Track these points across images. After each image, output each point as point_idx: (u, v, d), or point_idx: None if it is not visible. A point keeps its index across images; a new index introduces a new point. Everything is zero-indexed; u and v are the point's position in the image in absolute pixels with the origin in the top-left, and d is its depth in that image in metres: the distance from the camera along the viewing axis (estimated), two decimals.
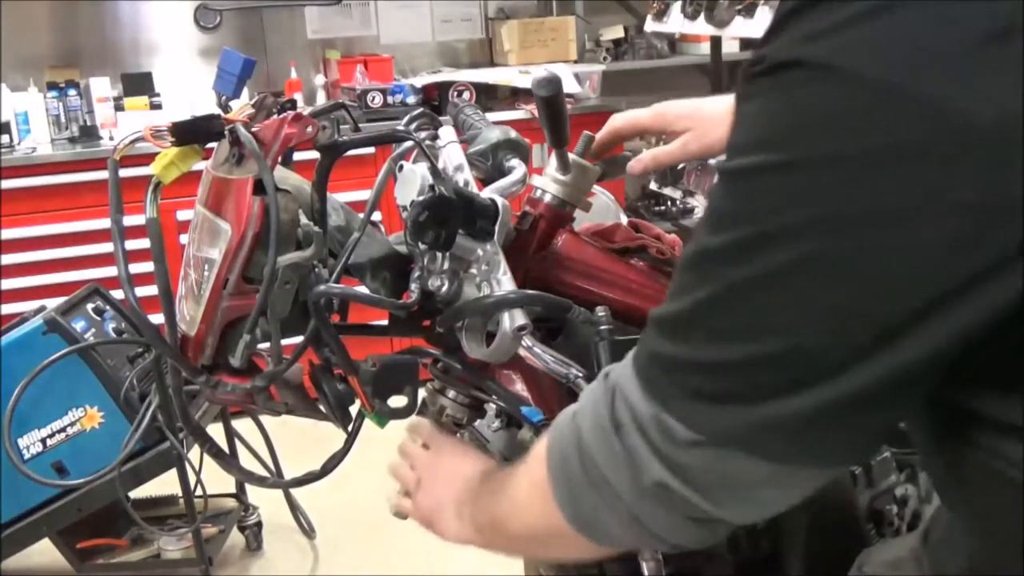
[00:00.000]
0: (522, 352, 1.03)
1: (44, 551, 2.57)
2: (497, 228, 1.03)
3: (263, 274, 0.96)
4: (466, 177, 1.10)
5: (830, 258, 0.60)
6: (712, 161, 1.15)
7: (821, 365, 0.62)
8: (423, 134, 1.13)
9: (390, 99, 3.77)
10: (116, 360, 2.44)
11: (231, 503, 2.83)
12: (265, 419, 2.62)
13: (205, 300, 1.00)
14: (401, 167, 1.04)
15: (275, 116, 1.01)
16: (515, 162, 1.14)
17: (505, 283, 1.00)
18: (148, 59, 4.11)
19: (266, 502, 2.86)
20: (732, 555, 1.10)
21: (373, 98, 3.74)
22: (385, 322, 1.12)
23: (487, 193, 1.07)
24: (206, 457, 2.27)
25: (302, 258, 0.98)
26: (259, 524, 2.85)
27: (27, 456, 2.38)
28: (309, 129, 0.99)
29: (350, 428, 1.09)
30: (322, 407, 1.08)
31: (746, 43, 4.16)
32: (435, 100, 3.86)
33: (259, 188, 0.97)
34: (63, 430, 2.40)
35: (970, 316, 0.59)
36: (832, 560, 1.01)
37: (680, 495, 0.69)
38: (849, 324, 0.61)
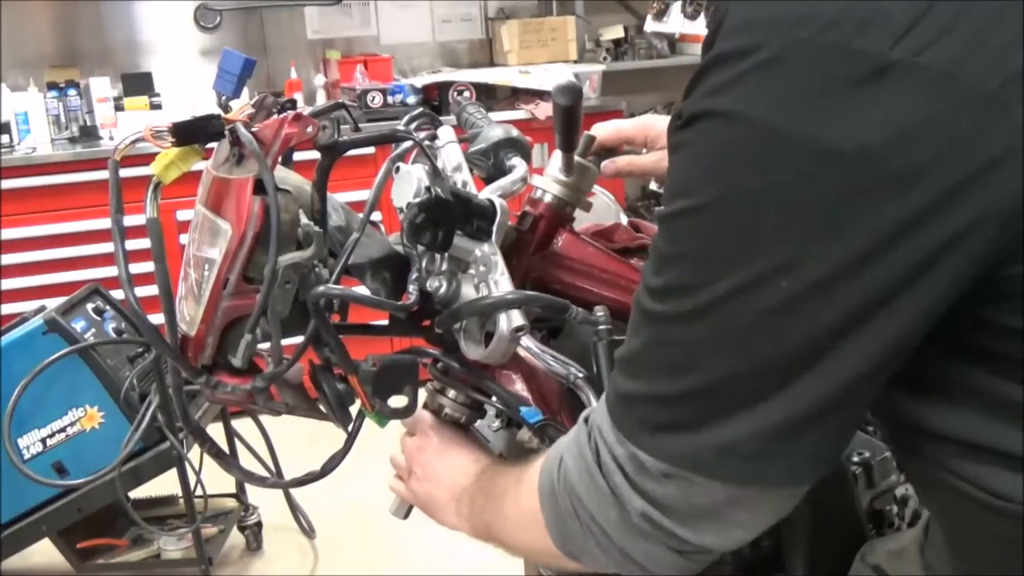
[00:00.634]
0: (522, 352, 1.03)
1: (44, 551, 2.57)
2: (495, 228, 1.03)
3: (263, 274, 0.96)
4: (464, 178, 1.09)
5: (746, 290, 0.66)
6: None
7: (753, 389, 0.68)
8: (422, 134, 1.13)
9: (390, 99, 3.77)
10: (116, 360, 2.44)
11: (231, 503, 2.83)
12: (265, 419, 2.63)
13: (205, 300, 1.00)
14: (398, 168, 1.03)
15: (275, 116, 1.01)
16: (516, 160, 1.13)
17: (503, 284, 1.00)
18: (148, 59, 4.11)
19: (266, 502, 2.86)
20: (732, 555, 1.10)
21: (373, 98, 3.74)
22: (385, 322, 1.12)
23: (487, 192, 1.07)
24: (206, 457, 2.27)
25: (302, 258, 0.98)
26: (259, 524, 2.85)
27: (27, 456, 2.38)
28: (309, 129, 0.99)
29: (350, 428, 1.09)
30: (322, 407, 1.08)
31: None
32: (435, 100, 3.86)
33: (259, 188, 0.97)
34: (63, 430, 2.40)
35: (885, 333, 0.64)
36: (833, 559, 1.01)
37: (663, 527, 0.73)
38: (773, 349, 0.66)
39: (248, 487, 2.82)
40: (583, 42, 4.45)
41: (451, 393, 1.13)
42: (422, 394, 1.11)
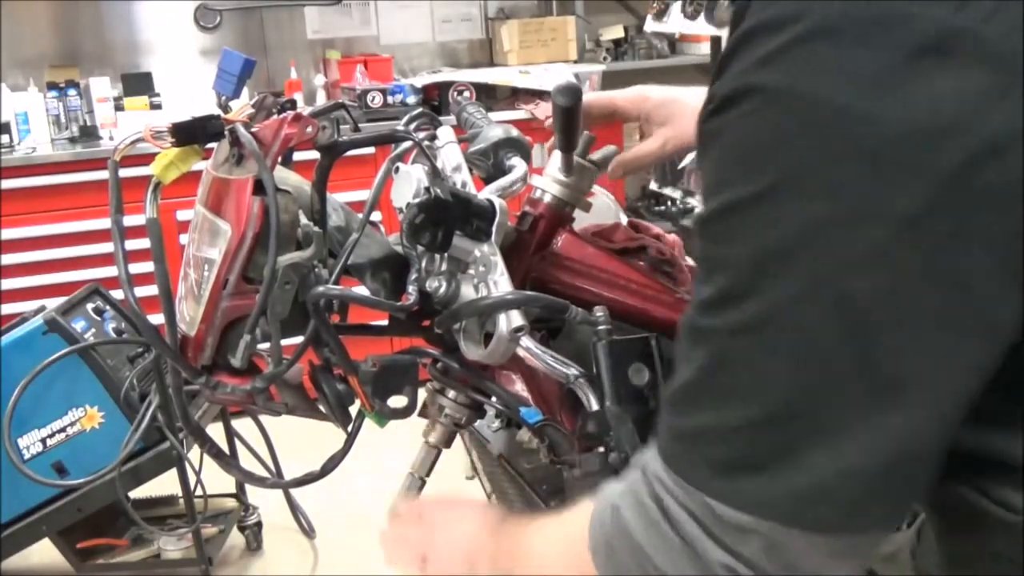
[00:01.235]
0: (521, 353, 1.03)
1: (44, 551, 2.57)
2: (494, 229, 1.02)
3: (263, 274, 0.96)
4: (464, 178, 1.09)
5: (816, 290, 0.57)
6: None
7: (837, 414, 0.58)
8: (422, 134, 1.13)
9: (390, 99, 3.77)
10: (116, 360, 2.44)
11: (231, 503, 2.83)
12: (265, 419, 2.63)
13: (205, 300, 1.00)
14: (397, 168, 1.03)
15: (275, 116, 1.01)
16: (516, 160, 1.13)
17: (502, 284, 1.00)
18: (148, 59, 4.10)
19: (266, 502, 2.86)
20: None
21: (373, 98, 3.74)
22: (385, 322, 1.12)
23: (487, 192, 1.07)
24: (206, 457, 2.27)
25: (302, 258, 0.98)
26: (259, 524, 2.85)
27: (27, 456, 2.38)
28: (309, 129, 0.99)
29: (350, 428, 1.09)
30: (322, 407, 1.08)
31: None
32: (435, 100, 3.86)
33: (259, 188, 0.97)
34: (63, 430, 2.40)
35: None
36: None
37: None
38: (856, 360, 0.57)
39: (248, 487, 2.82)
40: (583, 42, 4.45)
41: (451, 394, 1.13)
42: (422, 394, 1.11)
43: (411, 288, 1.01)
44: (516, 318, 0.97)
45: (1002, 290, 0.56)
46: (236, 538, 2.85)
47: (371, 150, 3.08)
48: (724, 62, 0.61)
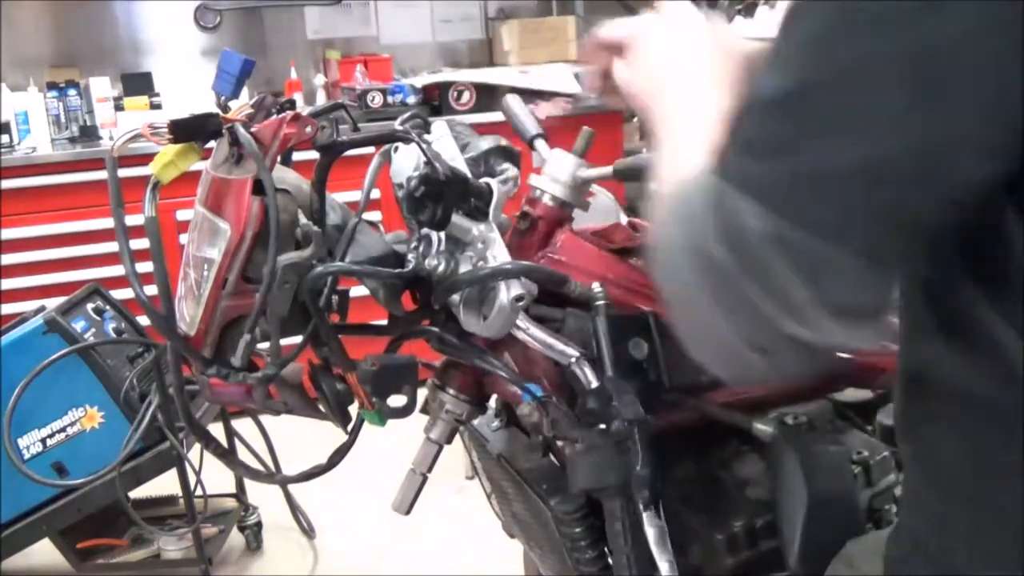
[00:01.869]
0: (521, 336, 1.03)
1: (44, 551, 2.57)
2: (492, 208, 1.03)
3: (263, 274, 0.96)
4: (460, 166, 1.10)
5: None
6: None
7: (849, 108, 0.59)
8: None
9: (390, 99, 3.77)
10: (116, 360, 2.44)
11: (231, 503, 2.83)
12: (264, 421, 2.63)
13: (205, 300, 1.00)
14: (396, 148, 1.04)
15: (274, 116, 1.01)
16: (506, 165, 1.14)
17: (501, 257, 1.00)
18: (148, 59, 4.11)
19: (266, 502, 2.86)
20: (732, 555, 1.10)
21: (373, 98, 3.74)
22: (385, 322, 1.12)
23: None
24: (206, 457, 2.27)
25: (301, 257, 0.98)
26: (259, 524, 2.85)
27: (27, 456, 2.38)
28: (308, 129, 0.99)
29: (349, 428, 1.09)
30: (322, 407, 1.08)
31: None
32: (435, 100, 3.86)
33: (258, 188, 0.97)
34: (63, 430, 2.40)
35: None
36: (830, 554, 1.01)
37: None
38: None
39: (248, 487, 2.83)
40: (583, 42, 4.45)
41: (451, 390, 1.14)
42: (421, 393, 1.11)
43: (411, 256, 1.01)
44: (516, 287, 0.98)
45: None
46: (236, 538, 2.85)
47: (370, 150, 3.07)
48: None
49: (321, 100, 4.10)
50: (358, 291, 1.08)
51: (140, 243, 0.97)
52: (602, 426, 0.98)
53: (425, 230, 1.03)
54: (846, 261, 0.62)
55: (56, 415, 2.39)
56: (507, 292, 0.98)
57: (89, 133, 3.77)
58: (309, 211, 1.02)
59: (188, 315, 1.03)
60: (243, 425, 2.69)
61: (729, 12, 3.23)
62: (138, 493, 2.55)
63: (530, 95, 3.94)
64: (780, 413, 1.11)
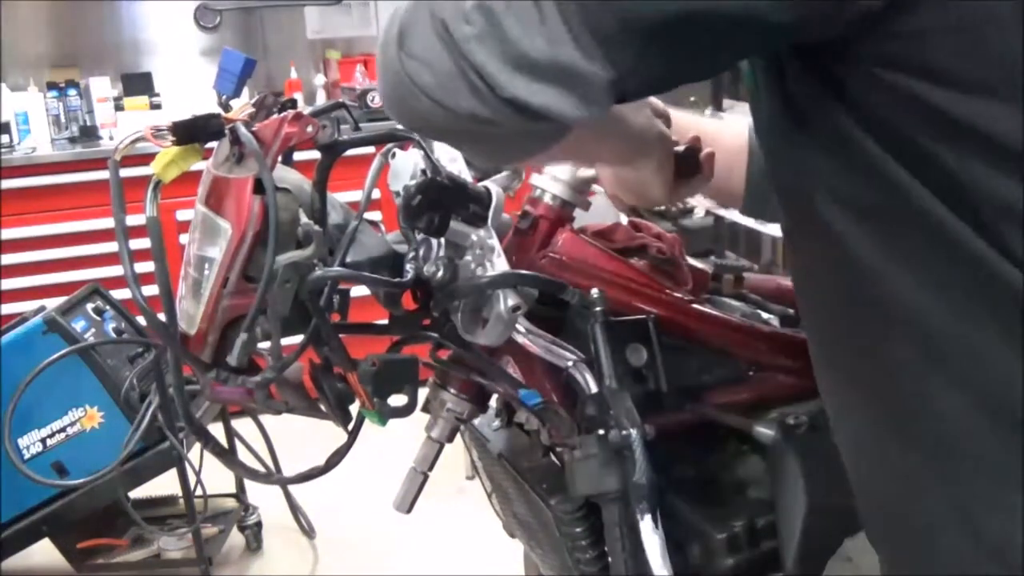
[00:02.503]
0: (520, 340, 1.03)
1: (44, 551, 2.57)
2: (491, 214, 1.03)
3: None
4: (460, 167, 1.10)
5: None
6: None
7: None
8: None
9: None
10: (116, 360, 2.44)
11: (231, 503, 2.83)
12: (264, 421, 2.63)
13: (206, 299, 1.00)
14: (394, 154, 1.04)
15: (275, 115, 1.01)
16: None
17: (499, 265, 1.01)
18: (148, 59, 4.11)
19: (266, 502, 2.87)
20: (731, 554, 1.10)
21: (373, 98, 3.74)
22: (385, 322, 1.12)
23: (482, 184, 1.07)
24: (206, 457, 2.27)
25: (302, 257, 0.98)
26: (259, 524, 2.85)
27: (27, 456, 2.38)
28: (309, 128, 0.99)
29: (350, 427, 1.09)
30: (322, 406, 1.08)
31: None
32: None
33: (259, 187, 0.97)
34: (63, 430, 2.40)
35: None
36: (828, 555, 1.02)
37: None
38: None
39: (248, 487, 2.83)
40: None
41: (452, 389, 1.14)
42: (422, 393, 1.11)
43: (408, 266, 1.01)
44: (513, 297, 0.98)
45: None
46: (236, 538, 2.85)
47: (371, 149, 3.07)
48: None
49: (321, 100, 4.10)
50: (359, 291, 1.08)
51: (140, 243, 0.97)
52: (601, 432, 0.98)
53: (423, 236, 1.03)
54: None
55: (56, 415, 2.39)
56: (504, 302, 0.98)
57: (89, 133, 3.77)
58: (310, 210, 1.02)
59: (189, 314, 1.03)
60: (243, 425, 2.69)
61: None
62: (138, 493, 2.55)
63: None
64: (780, 413, 1.11)
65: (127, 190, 1.01)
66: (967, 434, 0.71)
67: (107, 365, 2.39)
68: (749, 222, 2.94)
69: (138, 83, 3.95)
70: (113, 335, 2.50)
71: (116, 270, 0.99)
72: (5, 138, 3.61)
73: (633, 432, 0.95)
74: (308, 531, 2.89)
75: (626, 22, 0.62)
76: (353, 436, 1.10)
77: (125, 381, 2.38)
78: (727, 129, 1.23)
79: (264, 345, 1.03)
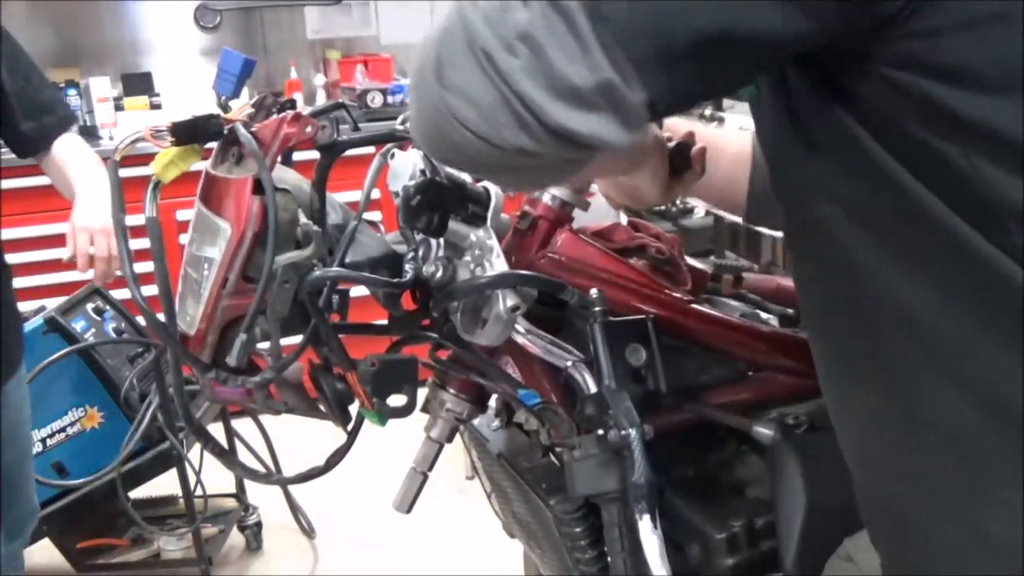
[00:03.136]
0: (520, 340, 1.03)
1: (44, 551, 2.57)
2: (490, 214, 1.03)
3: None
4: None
5: None
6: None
7: None
8: None
9: (390, 99, 3.77)
10: (116, 360, 2.44)
11: (231, 503, 2.84)
12: (265, 421, 2.63)
13: (205, 299, 1.00)
14: (393, 155, 1.04)
15: (274, 116, 1.01)
16: None
17: (498, 265, 1.01)
18: (148, 59, 4.11)
19: (266, 502, 2.87)
20: (730, 554, 1.10)
21: (373, 98, 3.74)
22: (385, 322, 1.12)
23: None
24: (206, 457, 2.27)
25: (301, 257, 0.98)
26: (259, 524, 2.85)
27: None
28: (308, 129, 0.99)
29: (350, 427, 1.09)
30: (322, 406, 1.08)
31: None
32: None
33: (258, 187, 0.97)
34: (63, 430, 2.40)
35: None
36: (827, 555, 1.02)
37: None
38: None
39: (248, 487, 2.83)
40: None
41: (451, 389, 1.14)
42: (421, 393, 1.11)
43: (407, 266, 1.01)
44: (512, 297, 0.98)
45: None
46: (236, 538, 2.86)
47: (370, 150, 3.08)
48: None
49: (321, 100, 4.10)
50: (358, 291, 1.08)
51: (139, 243, 0.97)
52: (600, 432, 0.98)
53: (422, 236, 1.03)
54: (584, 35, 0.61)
55: (56, 415, 2.39)
56: (503, 302, 0.98)
57: (89, 133, 3.77)
58: (309, 211, 1.02)
59: (188, 315, 1.03)
60: (243, 425, 2.69)
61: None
62: (138, 493, 2.55)
63: None
64: (780, 413, 1.11)
65: (127, 190, 1.01)
66: (970, 433, 0.71)
67: (107, 365, 2.39)
68: None
69: (138, 83, 3.95)
70: (113, 335, 2.50)
71: (120, 269, 0.99)
72: None
73: (632, 432, 0.95)
74: (308, 531, 2.89)
75: (660, 46, 0.63)
76: (353, 436, 1.10)
77: (125, 381, 2.38)
78: (729, 137, 1.23)
79: (263, 345, 1.03)
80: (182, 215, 3.03)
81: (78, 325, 2.41)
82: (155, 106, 3.84)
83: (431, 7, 4.41)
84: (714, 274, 1.28)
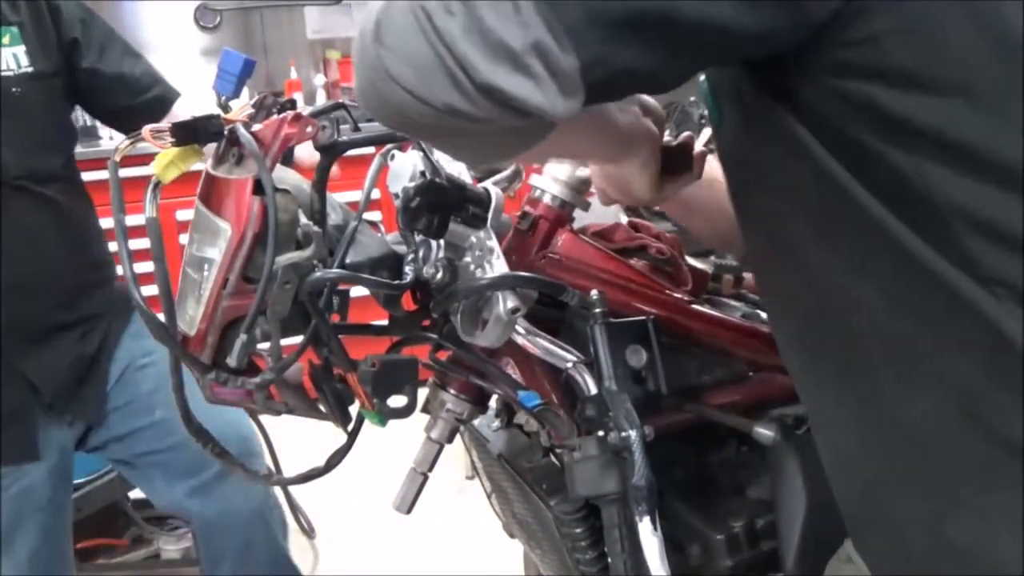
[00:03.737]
0: (520, 341, 1.03)
1: None
2: (490, 215, 1.03)
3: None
4: (460, 168, 1.10)
5: None
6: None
7: None
8: None
9: None
10: None
11: None
12: (265, 421, 2.62)
13: (205, 300, 1.00)
14: (393, 156, 1.04)
15: (275, 116, 1.01)
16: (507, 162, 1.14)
17: (499, 266, 1.00)
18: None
19: None
20: (730, 555, 1.10)
21: None
22: (385, 322, 1.12)
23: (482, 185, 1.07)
24: None
25: (302, 258, 0.98)
26: None
27: None
28: (309, 129, 0.99)
29: (350, 428, 1.09)
30: (322, 407, 1.08)
31: None
32: None
33: (259, 188, 0.97)
34: None
35: None
36: (828, 555, 1.02)
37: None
38: None
39: None
40: None
41: (451, 389, 1.14)
42: (422, 393, 1.11)
43: (407, 269, 1.01)
44: (512, 299, 0.98)
45: None
46: None
47: (371, 150, 3.08)
48: None
49: (321, 100, 4.10)
50: (358, 291, 1.08)
51: (139, 243, 0.97)
52: (600, 433, 0.98)
53: (422, 237, 1.03)
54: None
55: None
56: (503, 304, 0.98)
57: (89, 133, 3.77)
58: (310, 211, 1.02)
59: (188, 315, 1.03)
60: None
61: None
62: (138, 493, 2.54)
63: None
64: (780, 413, 1.11)
65: (127, 190, 1.01)
66: (935, 441, 0.72)
67: None
68: None
69: None
70: None
71: (120, 270, 0.99)
72: None
73: (632, 433, 0.95)
74: (308, 531, 2.89)
75: (592, 10, 0.63)
76: (353, 437, 1.10)
77: None
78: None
79: (264, 346, 1.03)
80: (182, 215, 3.03)
81: None
82: None
83: None
84: (714, 274, 1.28)
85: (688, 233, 1.29)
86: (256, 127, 1.00)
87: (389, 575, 2.71)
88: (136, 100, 1.90)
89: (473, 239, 1.03)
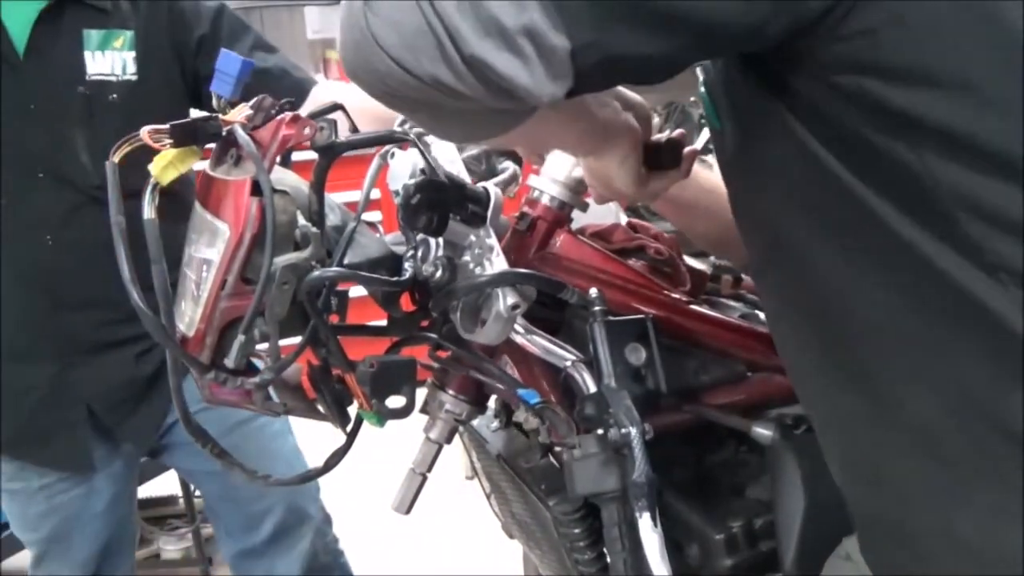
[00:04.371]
0: (519, 340, 1.03)
1: None
2: (489, 213, 1.03)
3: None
4: (459, 168, 1.10)
5: None
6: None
7: None
8: (417, 128, 1.13)
9: None
10: None
11: None
12: None
13: (204, 301, 1.00)
14: (393, 154, 1.05)
15: (273, 117, 1.01)
16: (507, 164, 1.15)
17: (498, 264, 1.01)
18: None
19: None
20: (729, 555, 1.10)
21: None
22: (384, 323, 1.13)
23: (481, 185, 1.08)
24: None
25: (300, 259, 0.98)
26: None
27: None
28: (307, 130, 0.99)
29: (348, 428, 1.09)
30: (320, 408, 1.09)
31: None
32: None
33: (257, 189, 0.97)
34: None
35: None
36: (827, 555, 1.02)
37: None
38: None
39: None
40: None
41: (450, 390, 1.14)
42: (420, 394, 1.11)
43: (407, 266, 1.01)
44: (512, 295, 0.98)
45: None
46: None
47: (370, 150, 3.07)
48: None
49: None
50: (357, 292, 1.08)
51: None
52: (600, 431, 0.98)
53: (422, 236, 1.03)
54: None
55: None
56: (503, 300, 0.98)
57: None
58: (308, 212, 1.02)
59: (187, 316, 1.03)
60: None
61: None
62: (138, 493, 2.55)
63: None
64: (779, 413, 1.11)
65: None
66: (941, 438, 0.72)
67: None
68: None
69: None
70: None
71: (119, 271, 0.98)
72: None
73: (632, 430, 0.95)
74: None
75: None
76: (352, 437, 1.10)
77: None
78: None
79: (262, 346, 1.03)
80: None
81: None
82: None
83: None
84: (713, 275, 1.28)
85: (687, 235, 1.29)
86: (254, 128, 1.00)
87: (389, 575, 2.72)
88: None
89: (472, 237, 1.03)
